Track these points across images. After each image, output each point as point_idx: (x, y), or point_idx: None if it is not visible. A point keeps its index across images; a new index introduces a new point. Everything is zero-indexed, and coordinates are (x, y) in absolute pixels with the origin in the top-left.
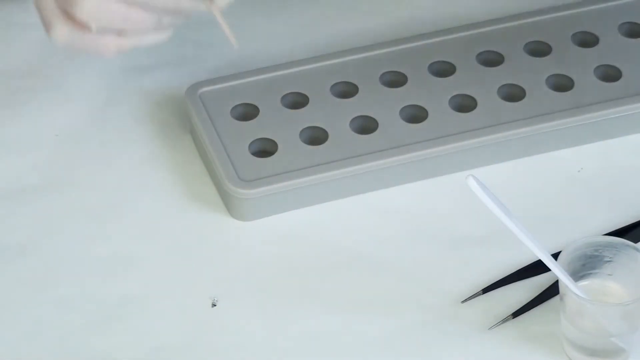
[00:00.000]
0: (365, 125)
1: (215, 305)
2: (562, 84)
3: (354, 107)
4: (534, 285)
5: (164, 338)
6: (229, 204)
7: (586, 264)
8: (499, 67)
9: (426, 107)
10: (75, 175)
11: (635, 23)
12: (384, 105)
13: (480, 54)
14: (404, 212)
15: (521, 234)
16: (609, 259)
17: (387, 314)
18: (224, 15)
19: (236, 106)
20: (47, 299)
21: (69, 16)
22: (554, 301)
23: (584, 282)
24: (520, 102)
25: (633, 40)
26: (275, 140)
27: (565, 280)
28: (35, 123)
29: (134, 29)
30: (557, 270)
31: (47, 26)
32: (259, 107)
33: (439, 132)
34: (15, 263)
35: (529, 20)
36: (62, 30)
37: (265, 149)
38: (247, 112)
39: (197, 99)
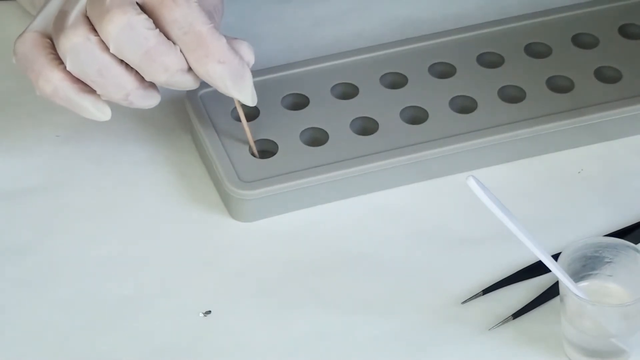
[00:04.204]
0: (366, 127)
1: (210, 312)
2: (562, 86)
3: (355, 108)
4: (534, 286)
5: (164, 338)
6: (229, 205)
7: (586, 265)
8: (499, 69)
9: (426, 109)
10: (76, 176)
11: (635, 24)
12: (385, 107)
13: (480, 55)
14: (404, 213)
15: (521, 235)
16: (609, 260)
17: (387, 314)
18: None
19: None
20: (47, 299)
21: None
22: (554, 302)
23: (584, 283)
24: (520, 104)
25: (633, 42)
26: (276, 141)
27: (565, 281)
28: (36, 123)
29: (109, 84)
30: (558, 271)
31: (35, 76)
32: (259, 108)
33: (439, 133)
34: (15, 263)
35: (529, 21)
36: (53, 77)
37: (265, 150)
38: (248, 113)
39: (198, 100)
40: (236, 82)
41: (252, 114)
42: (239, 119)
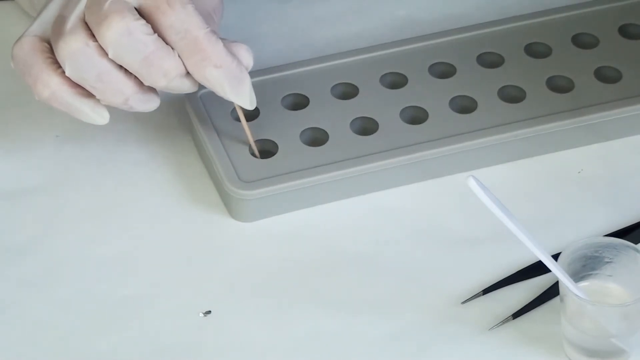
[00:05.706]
0: (366, 127)
1: (210, 312)
2: (562, 86)
3: (355, 108)
4: (534, 286)
5: (164, 339)
6: (229, 205)
7: (586, 265)
8: (499, 69)
9: (426, 109)
10: (76, 176)
11: (635, 24)
12: (385, 107)
13: (480, 55)
14: (404, 213)
15: (521, 235)
16: (609, 260)
17: (387, 314)
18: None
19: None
20: (47, 299)
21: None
22: (554, 302)
23: (584, 283)
24: (520, 104)
25: (633, 42)
26: (276, 141)
27: (565, 281)
28: (36, 123)
29: (108, 90)
30: (557, 271)
31: (33, 81)
32: (259, 108)
33: (439, 133)
34: (15, 263)
35: (529, 21)
36: (51, 82)
37: (265, 150)
38: (248, 114)
39: (198, 100)
40: (234, 86)
41: (252, 114)
42: (239, 119)
